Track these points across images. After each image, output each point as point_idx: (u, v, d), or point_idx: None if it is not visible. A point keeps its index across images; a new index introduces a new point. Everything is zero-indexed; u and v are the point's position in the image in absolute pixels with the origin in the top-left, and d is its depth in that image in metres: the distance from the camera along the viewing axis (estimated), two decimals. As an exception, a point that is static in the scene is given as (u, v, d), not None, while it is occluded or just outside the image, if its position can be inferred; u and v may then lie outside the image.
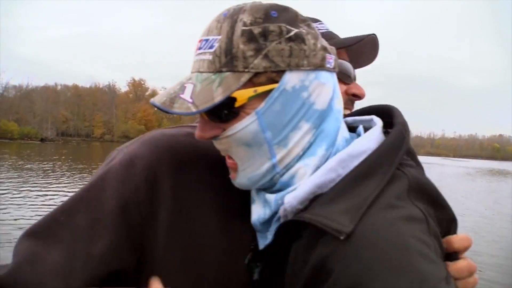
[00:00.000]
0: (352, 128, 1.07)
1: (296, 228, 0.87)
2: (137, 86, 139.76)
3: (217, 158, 1.01)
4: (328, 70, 0.95)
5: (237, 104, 0.89)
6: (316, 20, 1.30)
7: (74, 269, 0.87)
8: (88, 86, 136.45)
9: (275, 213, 0.95)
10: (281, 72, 0.89)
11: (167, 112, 0.89)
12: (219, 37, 0.90)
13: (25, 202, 14.51)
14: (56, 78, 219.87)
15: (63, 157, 40.03)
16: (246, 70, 0.88)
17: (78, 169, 28.19)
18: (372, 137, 0.96)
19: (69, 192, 17.10)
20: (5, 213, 12.55)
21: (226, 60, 0.88)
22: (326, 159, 0.94)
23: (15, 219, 11.80)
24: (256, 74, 0.88)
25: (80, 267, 0.88)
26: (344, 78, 1.26)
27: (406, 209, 0.83)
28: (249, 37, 0.88)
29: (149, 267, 0.95)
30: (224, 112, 0.91)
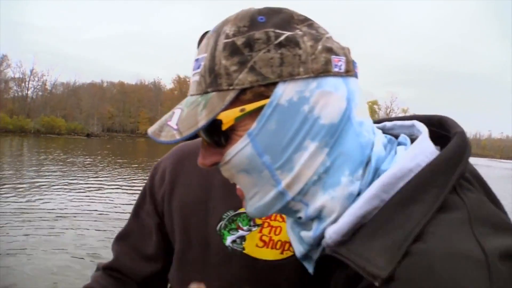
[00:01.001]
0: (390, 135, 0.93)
1: (336, 259, 0.77)
2: (182, 83, 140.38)
3: None
4: (337, 75, 0.79)
5: (224, 127, 0.77)
6: None
7: (145, 240, 1.45)
8: (133, 83, 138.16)
9: (316, 245, 0.86)
10: (273, 85, 0.76)
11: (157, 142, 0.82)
12: (205, 55, 0.81)
13: (63, 193, 14.94)
14: (102, 76, 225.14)
15: (106, 152, 40.90)
16: (231, 87, 0.76)
17: (118, 163, 28.62)
18: (420, 151, 0.79)
19: (105, 185, 17.58)
20: (44, 203, 12.99)
21: (211, 79, 0.78)
22: (357, 185, 0.80)
23: (51, 208, 12.14)
24: (243, 91, 0.77)
25: (147, 234, 1.44)
26: None
27: (463, 247, 0.66)
28: (232, 49, 0.77)
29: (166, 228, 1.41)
30: (216, 136, 0.81)
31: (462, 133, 0.81)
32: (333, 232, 0.78)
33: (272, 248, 1.23)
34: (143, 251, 1.44)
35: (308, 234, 0.84)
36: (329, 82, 0.78)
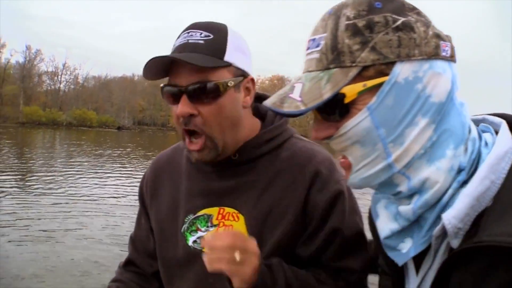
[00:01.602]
0: None
1: (462, 254, 0.80)
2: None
3: (179, 163, 1.59)
4: (444, 59, 0.88)
5: (346, 100, 0.85)
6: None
7: (147, 241, 1.66)
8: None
9: (411, 222, 0.92)
10: (391, 64, 0.84)
11: (278, 113, 0.89)
12: (325, 34, 0.89)
13: (91, 182, 15.20)
14: (133, 69, 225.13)
15: (135, 145, 41.32)
16: (354, 64, 0.85)
17: (148, 156, 28.71)
18: (508, 135, 0.89)
19: (133, 176, 17.73)
20: (73, 191, 13.18)
21: (333, 56, 0.87)
22: (458, 161, 0.87)
23: (76, 197, 12.25)
24: (365, 68, 0.85)
25: (147, 236, 1.66)
26: None
27: None
28: (354, 30, 0.85)
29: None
30: (335, 109, 0.87)
31: None
32: (452, 217, 0.82)
33: None
34: (147, 250, 1.66)
35: (408, 208, 0.90)
36: (439, 65, 0.86)
